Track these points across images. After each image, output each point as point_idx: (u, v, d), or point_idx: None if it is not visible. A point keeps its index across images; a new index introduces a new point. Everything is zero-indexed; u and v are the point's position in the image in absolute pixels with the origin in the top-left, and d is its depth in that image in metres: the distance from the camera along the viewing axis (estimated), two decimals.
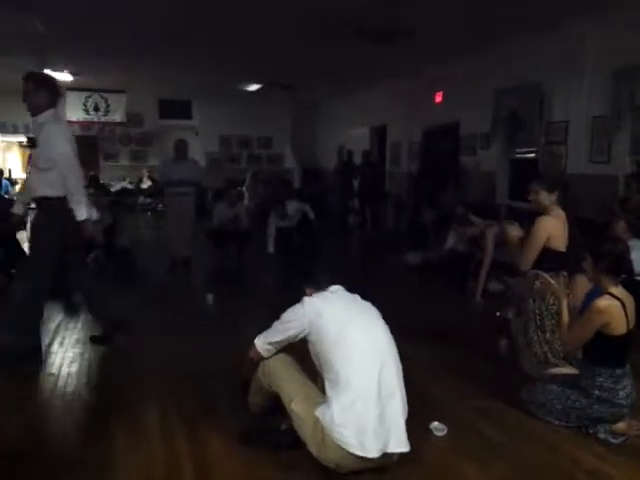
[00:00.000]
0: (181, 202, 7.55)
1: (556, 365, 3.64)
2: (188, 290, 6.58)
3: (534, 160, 7.84)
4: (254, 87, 12.81)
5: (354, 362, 2.55)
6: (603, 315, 2.93)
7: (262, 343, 2.87)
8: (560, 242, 3.70)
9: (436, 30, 7.52)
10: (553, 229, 3.69)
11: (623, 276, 3.09)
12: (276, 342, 2.83)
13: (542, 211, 3.75)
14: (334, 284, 2.89)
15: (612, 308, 2.93)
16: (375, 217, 11.85)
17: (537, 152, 7.81)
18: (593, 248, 3.09)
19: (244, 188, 12.87)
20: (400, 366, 2.70)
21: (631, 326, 2.99)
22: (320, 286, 2.88)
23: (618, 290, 3.01)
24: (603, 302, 2.95)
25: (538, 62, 7.53)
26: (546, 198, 3.72)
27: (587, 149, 6.91)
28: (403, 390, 2.68)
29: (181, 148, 7.75)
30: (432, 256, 7.49)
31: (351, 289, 2.97)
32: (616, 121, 6.48)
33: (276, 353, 2.89)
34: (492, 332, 4.52)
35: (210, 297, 5.77)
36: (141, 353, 4.28)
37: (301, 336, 2.73)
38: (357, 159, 12.29)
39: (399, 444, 2.58)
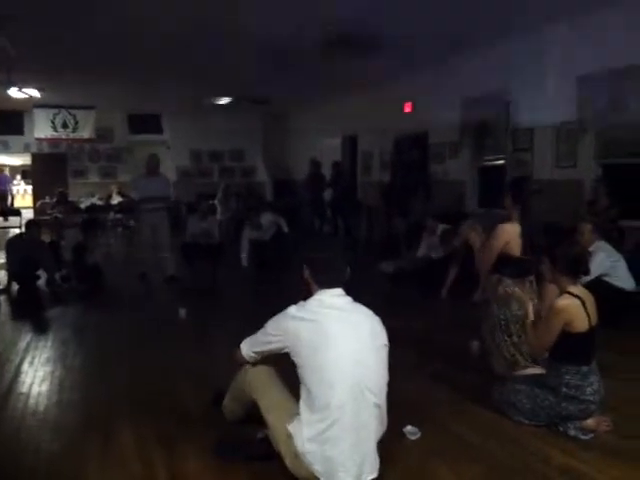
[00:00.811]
0: (156, 218, 7.50)
1: (525, 367, 3.71)
2: (160, 305, 6.53)
3: (502, 167, 8.01)
4: (224, 100, 12.84)
5: (332, 390, 2.41)
6: (563, 314, 3.02)
7: (247, 349, 2.81)
8: (518, 248, 3.82)
9: (404, 41, 7.67)
10: (512, 235, 3.81)
11: (583, 276, 3.19)
12: (259, 352, 2.78)
13: (507, 218, 3.87)
14: (333, 286, 2.58)
15: (571, 307, 3.02)
16: (347, 227, 11.93)
17: (505, 159, 7.98)
18: (550, 251, 3.20)
19: (216, 201, 12.85)
20: (385, 389, 2.57)
21: (593, 323, 3.08)
22: (318, 280, 2.59)
23: (577, 289, 3.10)
24: (562, 301, 3.04)
25: (504, 70, 7.72)
26: (506, 202, 3.87)
27: (553, 154, 7.09)
28: (384, 410, 2.57)
29: (153, 163, 7.72)
30: (405, 264, 7.58)
31: None
32: (581, 126, 6.66)
33: (261, 361, 2.84)
34: (465, 336, 4.59)
35: (183, 312, 5.74)
36: (112, 370, 4.24)
37: (284, 350, 2.59)
38: (329, 170, 12.36)
39: (372, 470, 2.51)
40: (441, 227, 7.15)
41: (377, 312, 2.68)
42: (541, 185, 6.81)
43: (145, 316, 5.92)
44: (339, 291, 2.60)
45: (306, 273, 2.63)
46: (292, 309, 2.58)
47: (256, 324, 2.79)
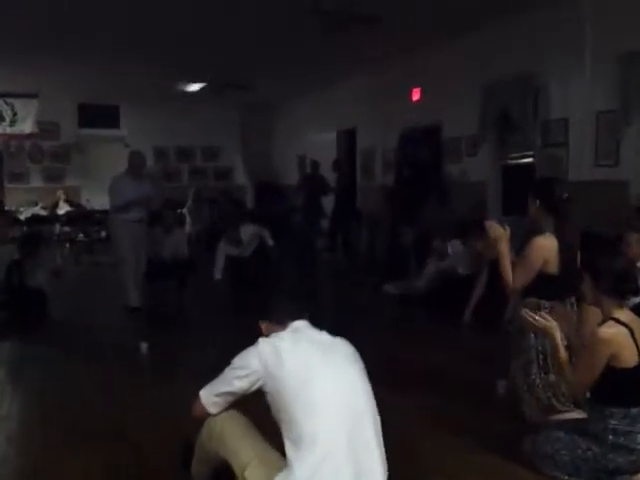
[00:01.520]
0: (138, 230, 7.39)
1: (563, 412, 3.69)
2: (118, 338, 6.49)
3: (530, 166, 8.04)
4: (195, 87, 12.87)
5: (320, 416, 2.53)
6: (608, 346, 2.99)
7: (208, 396, 2.81)
8: (555, 265, 3.80)
9: (409, 13, 7.71)
10: (549, 250, 3.79)
11: (631, 298, 3.18)
12: (225, 393, 2.78)
13: (536, 227, 3.86)
14: (299, 318, 2.84)
15: (618, 336, 3.00)
16: (347, 240, 11.92)
17: (534, 156, 8.01)
18: (591, 266, 3.17)
19: (185, 210, 12.83)
20: (378, 418, 2.69)
21: None
22: (280, 321, 2.83)
23: (624, 314, 3.08)
24: (606, 330, 3.01)
25: (531, 49, 7.77)
26: (532, 210, 3.85)
27: (591, 151, 7.12)
28: (382, 447, 2.66)
29: (137, 162, 7.66)
30: (418, 284, 7.59)
31: (320, 327, 2.92)
32: (625, 116, 6.68)
33: (226, 410, 2.83)
34: (489, 373, 4.57)
35: (144, 346, 5.74)
36: (56, 418, 4.20)
37: (256, 386, 2.67)
38: (323, 171, 12.38)
39: None
40: (453, 245, 7.22)
41: (383, 343, 2.71)
42: (575, 189, 6.82)
43: (99, 352, 5.89)
44: (304, 322, 2.83)
45: (263, 326, 2.87)
46: (263, 339, 2.74)
47: (233, 357, 2.79)
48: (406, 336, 6.30)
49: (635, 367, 3.02)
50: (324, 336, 2.81)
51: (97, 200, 14.68)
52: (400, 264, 8.72)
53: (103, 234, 14.01)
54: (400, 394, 4.38)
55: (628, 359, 3.00)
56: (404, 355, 5.53)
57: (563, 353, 3.26)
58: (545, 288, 3.79)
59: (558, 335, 3.32)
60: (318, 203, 12.30)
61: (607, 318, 3.07)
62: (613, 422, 3.05)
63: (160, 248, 7.99)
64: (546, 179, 5.77)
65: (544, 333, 3.49)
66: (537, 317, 3.38)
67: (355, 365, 2.74)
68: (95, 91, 13.76)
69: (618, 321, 3.04)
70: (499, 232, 3.84)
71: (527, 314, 3.42)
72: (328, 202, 12.24)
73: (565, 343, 3.37)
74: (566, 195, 3.97)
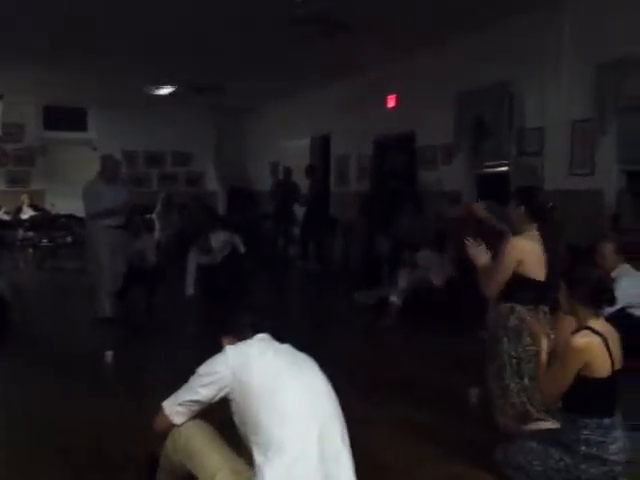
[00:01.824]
0: (115, 238, 7.27)
1: (538, 419, 3.71)
2: (82, 346, 6.42)
3: (505, 174, 8.12)
4: (166, 90, 12.80)
5: (289, 421, 2.55)
6: (582, 354, 3.02)
7: (171, 405, 2.79)
8: (536, 268, 3.83)
9: (385, 20, 7.77)
10: (526, 252, 3.82)
11: (606, 308, 3.21)
12: (190, 402, 2.76)
13: (516, 232, 3.90)
14: (261, 331, 2.87)
15: (592, 345, 3.02)
16: (320, 248, 11.93)
17: (509, 165, 8.10)
18: (567, 275, 3.21)
19: (154, 215, 12.74)
20: (345, 426, 2.71)
21: (617, 366, 3.09)
22: (241, 336, 2.86)
23: (599, 323, 3.11)
24: (580, 339, 3.04)
25: (506, 57, 7.86)
26: (525, 220, 3.89)
27: (567, 160, 7.21)
28: (350, 456, 2.67)
29: (112, 166, 7.59)
30: (391, 297, 7.61)
31: (292, 337, 2.96)
32: (600, 125, 6.78)
33: (190, 419, 2.81)
34: (461, 381, 4.60)
35: (109, 355, 5.70)
36: (23, 430, 4.14)
37: (222, 394, 2.68)
38: (296, 178, 12.39)
39: None
40: (425, 254, 7.26)
41: (354, 352, 2.71)
42: (550, 198, 6.91)
43: (63, 361, 5.81)
44: (267, 335, 2.88)
45: (227, 340, 2.87)
46: (229, 346, 2.78)
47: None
48: (378, 346, 6.31)
49: (608, 377, 3.05)
50: (289, 348, 2.86)
51: (62, 204, 14.54)
52: (374, 273, 8.76)
53: (68, 239, 13.87)
54: (370, 404, 4.40)
55: (601, 369, 3.03)
56: (376, 364, 5.53)
57: (545, 358, 3.30)
58: (520, 292, 3.82)
59: (544, 340, 3.36)
60: (290, 210, 12.31)
61: (581, 327, 3.10)
62: (585, 432, 3.07)
63: (127, 255, 7.90)
64: (529, 187, 5.88)
65: (525, 335, 3.53)
66: (528, 318, 3.46)
67: (320, 375, 2.79)
68: (62, 92, 13.62)
69: (592, 330, 3.07)
70: (473, 252, 3.95)
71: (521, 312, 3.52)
72: (301, 209, 12.26)
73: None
74: (551, 204, 4.06)
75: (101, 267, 7.27)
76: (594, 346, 3.02)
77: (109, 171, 7.55)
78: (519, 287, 3.81)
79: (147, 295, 7.84)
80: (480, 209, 3.99)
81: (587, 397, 3.07)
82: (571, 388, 3.07)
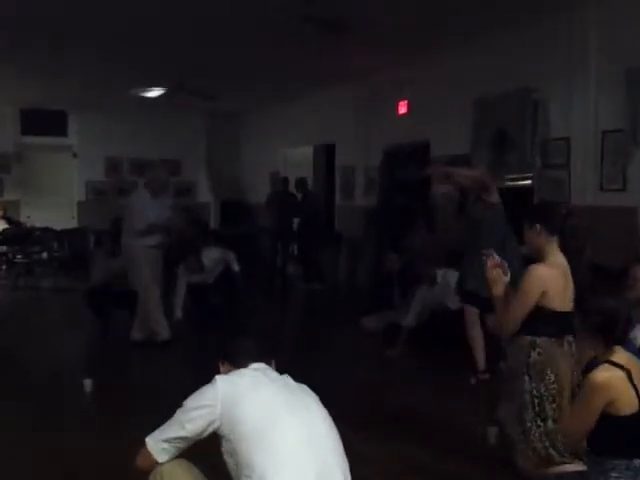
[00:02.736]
0: (154, 259, 7.34)
1: (561, 463, 3.70)
2: (59, 373, 6.43)
3: (529, 188, 8.14)
4: (155, 92, 12.84)
5: (283, 462, 2.54)
6: (604, 391, 3.01)
7: (155, 442, 2.77)
8: (560, 299, 3.81)
9: (395, 21, 7.82)
10: (550, 281, 3.81)
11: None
12: (176, 439, 2.75)
13: (537, 256, 3.89)
14: (258, 360, 2.89)
15: (614, 380, 3.02)
16: (321, 267, 11.95)
17: (532, 178, 8.12)
18: (581, 302, 3.22)
19: None
20: (347, 465, 2.71)
21: None
22: (238, 363, 2.89)
23: (621, 356, 3.11)
24: (601, 374, 3.03)
25: (530, 62, 7.89)
26: (545, 240, 3.87)
27: (596, 174, 7.23)
28: None
29: (159, 179, 7.65)
30: (401, 318, 7.59)
31: (288, 367, 2.98)
32: (633, 136, 6.80)
33: (176, 458, 2.80)
34: (479, 419, 4.59)
35: (89, 384, 5.71)
36: None
37: (211, 429, 2.67)
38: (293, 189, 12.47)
39: None
40: (440, 274, 7.24)
41: (357, 385, 2.73)
42: (578, 215, 6.92)
43: (38, 388, 5.82)
44: (265, 365, 2.91)
45: (223, 367, 2.94)
46: (220, 376, 2.79)
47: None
48: (386, 378, 6.30)
49: (635, 414, 3.04)
50: (287, 379, 2.88)
51: (38, 216, 14.57)
52: (383, 293, 8.74)
53: (44, 255, 13.91)
54: (378, 440, 4.41)
55: (626, 406, 3.02)
56: (383, 399, 5.54)
57: (568, 397, 3.29)
58: (542, 324, 3.80)
59: (569, 377, 3.34)
60: (289, 224, 12.34)
61: (601, 361, 3.09)
62: (614, 475, 3.05)
63: (108, 273, 7.92)
64: (542, 202, 5.90)
65: (548, 372, 3.52)
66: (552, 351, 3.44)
67: (320, 410, 2.80)
68: (40, 95, 13.68)
69: (613, 363, 3.07)
70: (494, 275, 3.91)
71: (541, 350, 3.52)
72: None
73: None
74: (565, 210, 4.05)
75: (147, 289, 7.28)
76: (617, 381, 3.02)
77: (156, 183, 7.50)
78: (541, 319, 3.80)
79: (131, 317, 7.83)
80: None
81: (614, 437, 3.06)
82: (596, 428, 3.06)
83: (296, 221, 12.43)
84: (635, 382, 3.03)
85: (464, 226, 6.54)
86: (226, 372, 2.88)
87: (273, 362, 2.98)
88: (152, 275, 7.29)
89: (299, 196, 12.26)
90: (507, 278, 3.93)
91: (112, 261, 8.00)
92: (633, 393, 3.02)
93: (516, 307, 3.82)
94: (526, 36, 7.92)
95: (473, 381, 6.05)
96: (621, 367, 3.03)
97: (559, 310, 3.80)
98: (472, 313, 6.14)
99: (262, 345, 3.02)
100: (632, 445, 3.07)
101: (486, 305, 5.29)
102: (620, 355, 3.11)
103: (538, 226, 3.92)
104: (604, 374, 3.02)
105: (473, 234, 6.20)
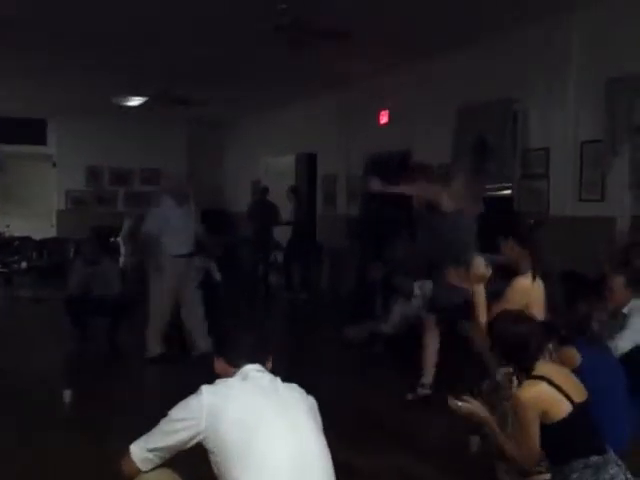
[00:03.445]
0: (182, 268, 7.23)
1: (539, 473, 3.73)
2: (38, 383, 6.40)
3: (509, 198, 8.21)
4: (135, 101, 12.83)
5: (266, 478, 2.54)
6: (533, 407, 3.08)
7: (140, 450, 2.76)
8: (540, 308, 3.88)
9: (378, 29, 7.88)
10: (531, 292, 3.87)
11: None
12: (159, 449, 2.74)
13: (515, 267, 3.96)
14: (253, 361, 2.85)
15: (540, 394, 3.10)
16: (305, 276, 11.97)
17: (512, 188, 8.19)
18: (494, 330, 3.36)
19: (119, 239, 12.75)
20: (333, 477, 2.71)
21: (578, 398, 3.13)
22: (234, 363, 2.85)
23: (539, 368, 3.19)
24: (524, 393, 3.12)
25: (510, 72, 7.98)
26: (507, 250, 3.95)
27: (575, 184, 7.30)
28: None
29: (183, 186, 7.59)
30: (383, 327, 7.63)
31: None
32: (611, 146, 6.87)
33: (159, 467, 2.79)
34: (460, 428, 4.62)
35: (68, 394, 5.71)
36: None
37: (195, 441, 2.66)
38: (276, 198, 12.46)
39: None
40: (418, 285, 7.29)
41: (345, 395, 2.75)
42: (557, 225, 6.98)
43: (16, 399, 5.80)
44: (260, 367, 2.86)
45: (218, 361, 2.91)
46: (206, 387, 2.73)
47: (168, 410, 2.77)
48: (371, 388, 6.32)
49: (571, 414, 3.09)
50: (278, 384, 2.83)
51: (17, 226, 14.51)
52: (365, 304, 8.77)
53: (23, 265, 13.83)
54: (363, 452, 4.44)
55: (558, 411, 3.09)
56: (369, 409, 5.58)
57: (502, 438, 3.32)
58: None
59: (490, 420, 3.38)
60: (269, 233, 12.35)
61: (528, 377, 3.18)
62: (575, 476, 3.09)
63: (87, 282, 7.90)
64: (508, 217, 5.98)
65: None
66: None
67: (311, 420, 2.76)
68: (19, 102, 13.62)
69: (533, 377, 3.15)
70: (482, 272, 3.95)
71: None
72: (283, 232, 12.30)
73: None
74: (532, 220, 4.13)
75: (157, 300, 7.18)
76: (542, 393, 3.10)
77: (180, 190, 7.46)
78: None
79: (111, 326, 7.82)
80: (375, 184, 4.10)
81: (561, 442, 3.12)
82: (542, 440, 3.12)
83: (276, 230, 12.44)
84: (558, 383, 3.11)
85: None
86: (220, 369, 2.88)
87: (270, 360, 2.93)
88: (165, 287, 7.13)
89: (291, 205, 12.21)
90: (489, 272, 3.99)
91: (88, 268, 7.98)
92: (560, 396, 3.10)
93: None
94: (508, 46, 8.00)
95: (410, 397, 5.80)
96: (541, 378, 3.11)
97: (539, 320, 3.86)
98: (431, 320, 6.00)
99: (260, 342, 2.97)
100: (582, 442, 3.12)
101: (454, 313, 5.35)
102: (538, 368, 3.18)
103: (510, 239, 4.00)
104: (529, 390, 3.12)
105: (433, 244, 6.19)
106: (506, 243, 4.01)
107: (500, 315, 3.52)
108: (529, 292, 3.89)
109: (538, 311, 3.87)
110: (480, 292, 3.99)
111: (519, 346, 3.22)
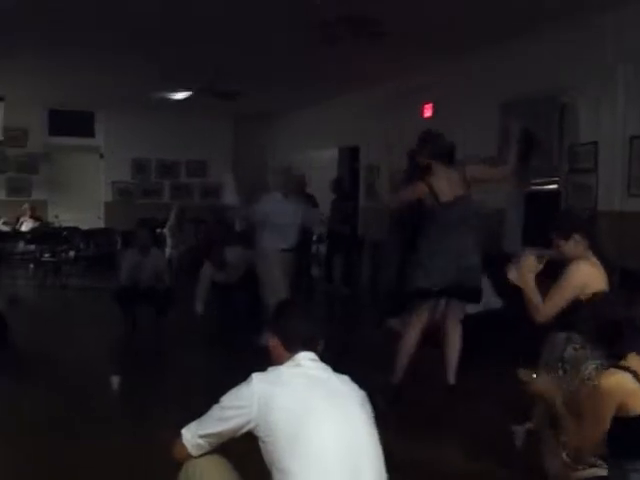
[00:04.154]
0: (286, 263, 7.29)
1: (591, 465, 3.69)
2: (86, 370, 6.50)
3: (556, 193, 8.11)
4: (182, 95, 12.95)
5: (317, 470, 2.53)
6: (612, 395, 3.02)
7: (192, 435, 2.78)
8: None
9: (423, 22, 7.84)
10: (590, 277, 3.84)
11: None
12: (211, 435, 2.75)
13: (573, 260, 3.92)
14: (307, 349, 2.82)
15: (621, 383, 3.03)
16: (348, 270, 11.96)
17: (559, 183, 8.09)
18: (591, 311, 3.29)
19: (166, 230, 12.87)
20: (383, 472, 2.70)
21: None
22: (289, 347, 2.83)
23: (630, 361, 3.12)
24: (607, 380, 3.05)
25: (557, 64, 7.88)
26: (571, 248, 3.90)
27: (624, 179, 7.19)
28: None
29: (300, 183, 7.72)
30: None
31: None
32: None
33: (209, 453, 2.81)
34: (509, 418, 4.60)
35: (116, 380, 5.76)
36: (17, 461, 4.18)
37: (246, 429, 2.66)
38: (320, 191, 12.45)
39: None
40: None
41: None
42: (605, 220, 6.88)
43: (65, 385, 5.88)
44: (314, 355, 2.84)
45: (273, 339, 2.89)
46: (257, 375, 2.72)
47: (215, 397, 2.79)
48: (411, 379, 6.30)
49: None
50: (329, 374, 2.82)
51: (65, 216, 14.74)
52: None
53: (71, 254, 14.04)
54: (410, 444, 4.44)
55: (637, 406, 3.04)
56: (414, 400, 5.55)
57: (565, 418, 3.29)
58: (579, 320, 3.80)
59: (558, 401, 3.35)
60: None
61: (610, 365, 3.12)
62: (636, 476, 3.06)
63: (136, 272, 8.01)
64: (568, 212, 5.85)
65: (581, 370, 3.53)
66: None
67: (362, 410, 2.74)
68: (68, 95, 13.81)
69: (619, 367, 3.08)
70: (532, 265, 3.94)
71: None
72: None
73: None
74: (587, 212, 4.08)
75: (273, 290, 7.05)
76: (624, 384, 3.04)
77: (295, 186, 7.61)
78: (579, 314, 3.80)
79: (157, 315, 7.92)
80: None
81: (629, 438, 3.06)
82: (610, 431, 3.07)
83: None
84: None
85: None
86: (274, 349, 2.86)
87: (321, 344, 2.91)
88: (281, 282, 7.15)
89: (336, 196, 12.18)
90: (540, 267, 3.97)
91: (137, 258, 8.09)
92: None
93: (555, 296, 3.87)
94: (555, 39, 7.89)
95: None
96: (626, 369, 3.06)
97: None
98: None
99: (314, 330, 2.94)
100: None
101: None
102: (629, 359, 3.13)
103: (576, 236, 3.95)
104: (610, 378, 3.05)
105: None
106: (571, 240, 3.95)
107: (601, 297, 3.48)
108: (587, 275, 3.85)
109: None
110: (530, 284, 3.97)
111: (615, 331, 3.17)
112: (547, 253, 4.24)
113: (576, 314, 3.81)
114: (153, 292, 7.90)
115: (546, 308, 3.90)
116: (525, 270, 3.97)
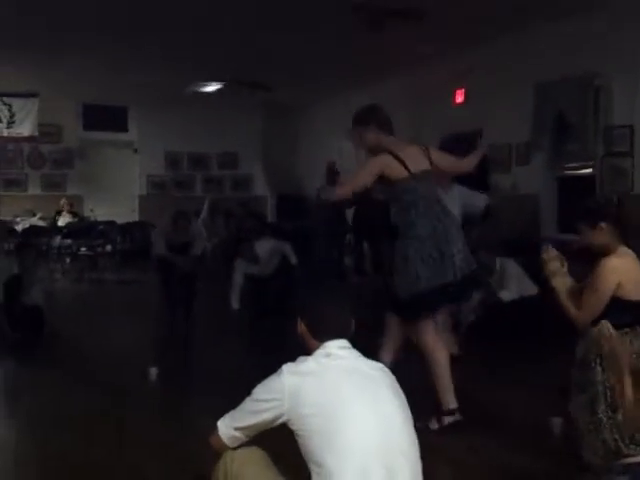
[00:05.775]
0: None
1: (627, 455, 3.62)
2: (123, 362, 6.52)
3: (590, 177, 7.98)
4: (212, 87, 12.96)
5: (351, 461, 2.50)
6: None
7: (227, 427, 2.78)
8: (635, 288, 3.73)
9: (453, 8, 7.73)
10: (624, 272, 3.73)
11: None
12: (245, 427, 2.75)
13: (604, 251, 3.81)
14: (341, 337, 2.78)
15: (624, 266, 3.25)
16: (378, 258, 11.88)
17: (594, 167, 7.95)
18: None
19: (199, 222, 12.90)
20: (419, 463, 2.66)
21: None
22: (318, 336, 2.79)
23: None
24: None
25: (591, 46, 7.74)
26: (598, 237, 3.79)
27: None
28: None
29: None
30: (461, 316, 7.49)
31: None
32: None
33: (246, 444, 2.80)
34: (546, 409, 4.52)
35: (154, 372, 5.77)
36: (58, 451, 4.19)
37: (279, 422, 2.65)
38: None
39: None
40: (504, 263, 7.13)
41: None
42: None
43: (102, 377, 5.90)
44: (344, 342, 2.79)
45: (301, 326, 2.84)
46: (288, 366, 2.70)
47: (250, 388, 2.77)
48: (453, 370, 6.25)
49: None
50: (361, 362, 2.78)
51: (101, 210, 14.88)
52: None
53: (108, 248, 14.15)
54: (445, 432, 4.40)
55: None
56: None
57: (629, 392, 3.23)
58: (616, 315, 3.71)
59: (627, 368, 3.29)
60: (341, 215, 12.27)
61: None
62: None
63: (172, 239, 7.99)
64: (596, 200, 5.73)
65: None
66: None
67: (395, 398, 2.71)
68: (101, 91, 13.93)
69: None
70: (554, 266, 3.85)
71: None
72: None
73: None
74: (616, 197, 3.98)
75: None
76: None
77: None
78: (616, 309, 3.71)
79: (186, 301, 7.89)
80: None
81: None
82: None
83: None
84: None
85: None
86: (303, 336, 2.82)
87: (352, 325, 2.83)
88: None
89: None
90: (565, 269, 3.87)
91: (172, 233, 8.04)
92: None
93: (591, 300, 3.74)
94: (589, 21, 7.75)
95: (435, 426, 4.45)
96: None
97: (634, 300, 3.71)
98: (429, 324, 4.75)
99: (344, 315, 2.86)
100: None
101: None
102: None
103: (603, 224, 3.83)
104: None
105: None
106: (598, 228, 3.83)
107: None
108: (620, 271, 3.73)
109: (634, 290, 3.71)
110: (560, 288, 3.89)
111: None
112: (578, 240, 4.15)
113: (612, 309, 3.71)
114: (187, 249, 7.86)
115: (585, 316, 3.76)
116: (551, 275, 3.88)
